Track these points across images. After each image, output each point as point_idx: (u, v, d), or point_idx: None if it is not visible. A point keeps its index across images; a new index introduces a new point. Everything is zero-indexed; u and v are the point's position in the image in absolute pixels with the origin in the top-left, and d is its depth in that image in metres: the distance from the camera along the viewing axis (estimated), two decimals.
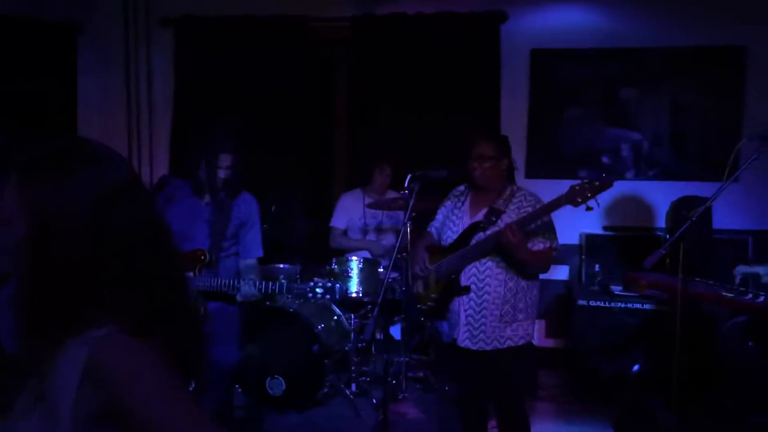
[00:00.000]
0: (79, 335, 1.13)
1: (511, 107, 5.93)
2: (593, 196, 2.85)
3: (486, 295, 3.12)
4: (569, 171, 5.86)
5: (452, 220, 3.31)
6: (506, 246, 2.97)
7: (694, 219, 2.97)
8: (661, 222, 5.60)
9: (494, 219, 3.11)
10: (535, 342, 5.67)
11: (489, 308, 3.11)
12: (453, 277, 3.18)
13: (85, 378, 1.11)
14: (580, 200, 2.86)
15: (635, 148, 5.86)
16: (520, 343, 3.14)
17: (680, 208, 5.13)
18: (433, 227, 3.48)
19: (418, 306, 3.40)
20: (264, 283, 3.28)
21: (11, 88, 5.46)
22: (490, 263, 3.11)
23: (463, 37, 5.86)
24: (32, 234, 1.14)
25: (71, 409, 1.11)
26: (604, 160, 5.88)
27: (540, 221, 3.06)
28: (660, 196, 5.69)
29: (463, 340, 3.16)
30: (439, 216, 3.44)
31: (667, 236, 5.20)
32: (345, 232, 5.46)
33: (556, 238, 3.17)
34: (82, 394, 1.11)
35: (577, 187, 2.89)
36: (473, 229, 3.16)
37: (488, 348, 3.12)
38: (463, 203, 3.33)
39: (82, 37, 6.23)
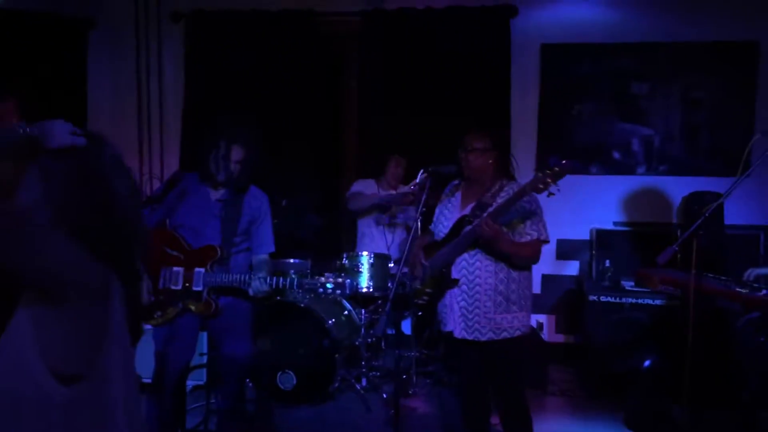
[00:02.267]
0: None
1: (521, 102, 5.92)
2: (554, 182, 2.89)
3: (477, 287, 3.14)
4: (580, 167, 5.85)
5: (444, 214, 3.36)
6: (484, 239, 3.01)
7: (706, 215, 2.95)
8: (672, 217, 5.59)
9: (479, 213, 3.13)
10: (544, 337, 5.72)
11: (481, 299, 3.13)
12: (444, 270, 3.22)
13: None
14: (542, 187, 2.91)
15: (646, 143, 5.84)
16: (515, 335, 3.15)
17: (692, 203, 5.13)
18: (433, 225, 3.51)
19: (415, 301, 3.42)
20: (275, 278, 3.29)
21: (23, 82, 5.48)
22: (479, 255, 3.14)
23: (472, 32, 5.84)
24: None
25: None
26: (615, 155, 5.87)
27: (519, 211, 3.10)
28: (671, 191, 5.68)
29: (459, 331, 3.19)
30: (437, 212, 3.48)
31: (679, 232, 5.18)
32: (362, 193, 5.35)
33: (543, 230, 3.17)
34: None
35: (540, 174, 2.94)
36: (461, 222, 3.19)
37: (483, 338, 3.14)
38: (455, 197, 3.36)
39: (93, 32, 6.26)
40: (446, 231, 3.27)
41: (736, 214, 5.23)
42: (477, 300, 3.14)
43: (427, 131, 5.91)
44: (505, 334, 3.14)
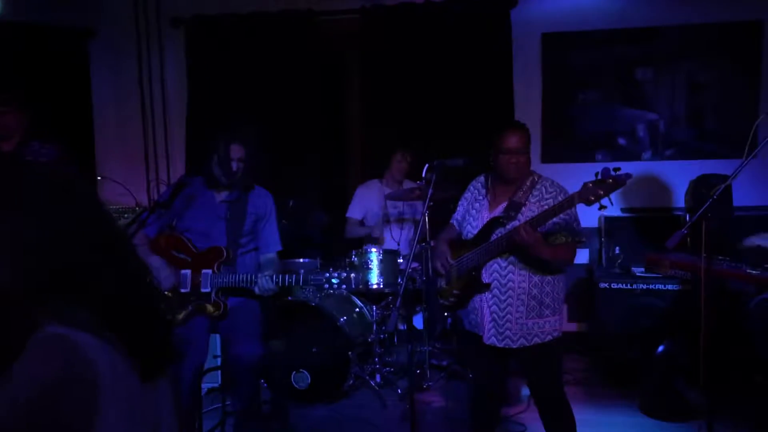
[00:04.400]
0: (35, 333, 1.12)
1: (524, 92, 5.91)
2: (606, 194, 2.69)
3: (510, 291, 3.03)
4: (586, 154, 5.85)
5: (471, 213, 3.22)
6: (521, 245, 2.89)
7: (715, 197, 2.93)
8: (679, 202, 5.56)
9: (513, 214, 3.01)
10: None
11: (513, 304, 3.02)
12: (474, 273, 3.10)
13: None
14: (593, 198, 2.71)
15: (652, 129, 5.82)
16: (547, 339, 3.04)
17: (699, 186, 5.10)
18: (455, 219, 3.40)
19: (441, 301, 3.33)
20: (280, 276, 3.29)
21: (26, 94, 5.51)
22: (512, 258, 3.02)
23: (473, 24, 5.84)
24: None
25: None
26: (621, 141, 5.85)
27: (561, 225, 2.96)
28: (678, 175, 5.66)
29: (489, 337, 3.08)
30: (460, 208, 3.36)
31: (687, 216, 5.17)
32: (361, 223, 5.48)
33: (579, 231, 3.05)
34: None
35: (590, 185, 2.73)
36: (493, 224, 3.06)
37: (515, 346, 3.05)
38: (483, 195, 3.23)
39: (94, 42, 6.29)
40: (475, 231, 3.14)
41: (744, 195, 5.21)
42: (509, 305, 3.03)
43: (431, 125, 5.92)
44: (536, 340, 3.04)
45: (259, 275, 3.29)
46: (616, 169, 2.68)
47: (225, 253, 3.34)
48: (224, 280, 3.32)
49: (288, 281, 3.29)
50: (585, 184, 2.75)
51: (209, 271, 3.33)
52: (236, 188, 3.48)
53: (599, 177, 2.72)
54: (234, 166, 3.40)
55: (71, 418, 1.07)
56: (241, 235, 3.45)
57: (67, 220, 1.21)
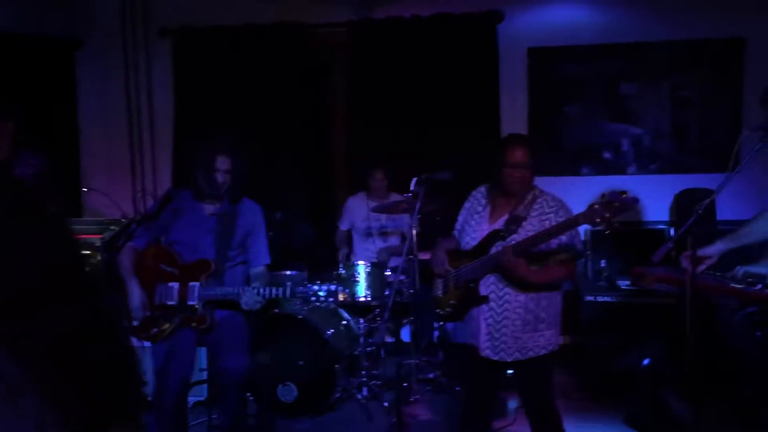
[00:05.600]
0: None
1: (510, 106, 5.96)
2: (612, 218, 2.67)
3: (506, 305, 3.01)
4: (571, 167, 5.91)
5: (471, 224, 3.19)
6: (504, 268, 2.89)
7: (700, 212, 2.97)
8: (663, 215, 5.62)
9: (514, 227, 2.98)
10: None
11: (510, 317, 3.00)
12: (471, 286, 3.07)
13: None
14: (598, 220, 2.69)
15: (636, 143, 5.88)
16: (541, 353, 3.03)
17: (683, 200, 5.16)
18: (456, 230, 3.37)
19: (437, 311, 3.31)
20: (266, 289, 3.27)
21: (10, 104, 5.46)
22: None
23: (460, 38, 5.89)
24: None
25: None
26: (606, 155, 5.91)
27: (565, 237, 2.94)
28: (662, 189, 5.72)
29: (484, 350, 3.06)
30: (460, 218, 3.33)
31: (672, 230, 5.22)
32: (348, 233, 5.51)
33: (581, 250, 3.06)
34: None
35: (597, 206, 2.70)
36: (493, 236, 3.03)
37: (509, 359, 3.04)
38: (483, 207, 3.20)
39: (80, 53, 6.27)
40: (474, 242, 3.12)
41: (727, 209, 5.27)
42: (505, 318, 3.01)
43: (418, 138, 5.95)
44: (531, 354, 3.02)
45: (244, 291, 3.26)
46: (622, 193, 2.68)
47: (212, 266, 3.33)
48: (211, 293, 3.30)
49: (275, 294, 3.27)
50: (591, 206, 2.74)
51: (197, 283, 3.31)
52: (225, 200, 3.47)
53: (606, 199, 2.70)
54: (220, 177, 3.38)
55: None
56: (230, 248, 3.43)
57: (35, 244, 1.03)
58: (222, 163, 3.39)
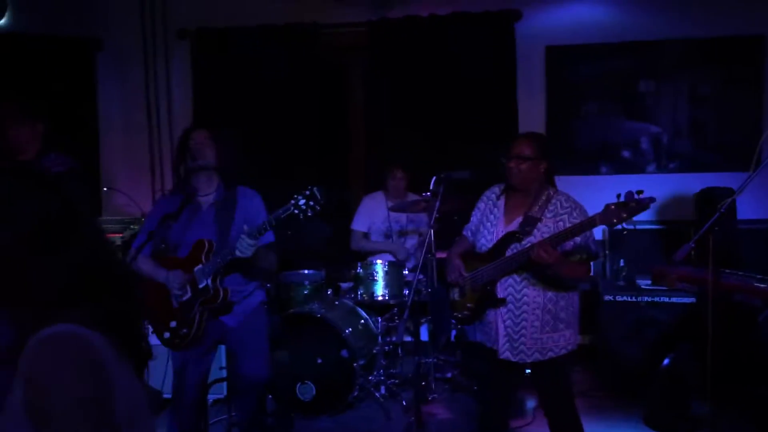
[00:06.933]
0: (36, 332, 1.21)
1: (528, 105, 5.94)
2: (629, 218, 2.68)
3: (525, 306, 3.01)
4: (590, 166, 5.88)
5: (486, 225, 3.19)
6: (539, 263, 2.85)
7: (722, 211, 2.94)
8: (683, 214, 5.58)
9: (529, 229, 2.98)
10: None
11: (528, 319, 3.00)
12: (489, 288, 3.07)
13: (20, 375, 1.19)
14: (615, 221, 2.70)
15: (655, 141, 5.85)
16: (561, 353, 3.04)
17: (704, 199, 5.12)
18: (468, 230, 3.37)
19: (455, 314, 3.31)
20: (251, 229, 3.08)
21: (32, 105, 5.53)
22: (527, 274, 3.00)
23: (477, 37, 5.87)
24: None
25: (19, 401, 1.18)
26: (625, 154, 5.87)
27: (579, 239, 2.93)
28: (681, 188, 5.67)
29: (503, 352, 3.07)
30: (474, 219, 3.33)
31: (693, 229, 5.17)
32: (366, 235, 5.49)
33: (597, 251, 3.06)
34: (19, 389, 1.19)
35: (613, 207, 2.72)
36: (508, 239, 3.03)
37: (529, 360, 3.05)
38: (498, 207, 3.19)
39: (100, 53, 6.33)
40: (489, 245, 3.11)
41: (748, 208, 5.22)
42: (524, 320, 3.01)
43: (436, 138, 5.94)
44: (551, 354, 3.03)
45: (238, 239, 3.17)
46: (639, 192, 2.67)
47: (207, 244, 3.27)
48: (210, 266, 3.23)
49: (261, 229, 3.14)
50: (607, 206, 2.74)
51: (199, 265, 3.27)
52: (220, 188, 3.40)
53: (622, 200, 2.70)
54: (202, 147, 3.32)
55: (97, 395, 1.20)
56: (229, 233, 3.34)
57: (82, 237, 1.33)
58: (198, 134, 3.36)
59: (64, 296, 1.27)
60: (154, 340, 3.34)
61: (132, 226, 4.81)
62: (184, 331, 3.25)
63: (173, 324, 3.28)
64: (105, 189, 5.94)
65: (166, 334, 3.31)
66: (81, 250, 1.30)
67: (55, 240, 1.27)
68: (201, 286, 3.22)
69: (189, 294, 3.26)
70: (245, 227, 3.10)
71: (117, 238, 4.69)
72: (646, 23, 5.74)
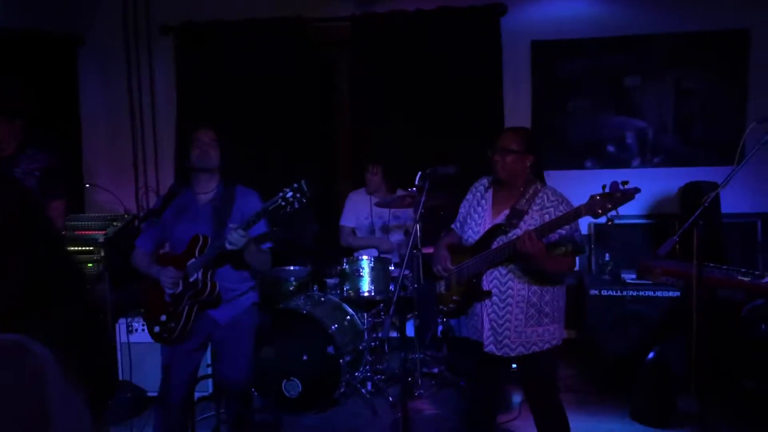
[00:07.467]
0: None
1: (514, 100, 5.94)
2: (614, 208, 2.67)
3: (509, 299, 3.01)
4: (575, 161, 5.89)
5: (473, 217, 3.19)
6: (523, 254, 2.83)
7: (706, 205, 2.95)
8: (668, 209, 5.61)
9: (515, 221, 2.98)
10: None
11: (513, 312, 3.01)
12: (474, 281, 3.07)
13: None
14: (600, 212, 2.68)
15: (640, 136, 5.86)
16: (545, 348, 3.04)
17: (688, 194, 5.14)
18: (457, 222, 3.37)
19: (440, 307, 3.31)
20: (242, 221, 3.06)
21: (11, 102, 5.46)
22: (512, 266, 3.00)
23: (463, 32, 5.86)
24: None
25: None
26: (610, 149, 5.89)
27: (563, 230, 2.92)
28: (666, 182, 5.70)
29: (488, 345, 3.07)
30: (462, 210, 3.32)
31: (677, 223, 5.20)
32: (353, 231, 5.48)
33: (582, 244, 3.03)
34: None
35: (598, 197, 2.70)
36: (494, 231, 3.03)
37: (513, 354, 3.05)
38: (486, 199, 3.19)
39: (82, 49, 6.26)
40: (476, 237, 3.11)
41: (732, 202, 5.25)
42: (508, 312, 3.01)
43: (421, 133, 5.93)
44: (534, 348, 3.03)
45: (227, 230, 3.15)
46: (624, 183, 2.66)
47: (201, 239, 3.25)
48: (202, 259, 3.21)
49: (251, 221, 3.13)
50: (592, 197, 2.73)
51: (192, 259, 3.26)
52: (219, 184, 3.40)
53: (607, 190, 2.69)
54: (207, 148, 3.32)
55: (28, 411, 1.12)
56: (225, 228, 3.31)
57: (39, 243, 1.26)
58: (205, 134, 3.36)
59: (17, 301, 1.21)
60: (144, 336, 3.31)
61: (114, 223, 4.75)
62: (172, 325, 3.23)
63: (163, 318, 3.27)
64: (87, 185, 5.89)
65: (156, 328, 3.31)
66: (38, 252, 1.25)
67: (11, 240, 1.22)
68: (191, 279, 3.21)
69: (180, 288, 3.24)
70: (238, 227, 3.09)
71: (99, 235, 4.63)
72: (632, 18, 5.75)
